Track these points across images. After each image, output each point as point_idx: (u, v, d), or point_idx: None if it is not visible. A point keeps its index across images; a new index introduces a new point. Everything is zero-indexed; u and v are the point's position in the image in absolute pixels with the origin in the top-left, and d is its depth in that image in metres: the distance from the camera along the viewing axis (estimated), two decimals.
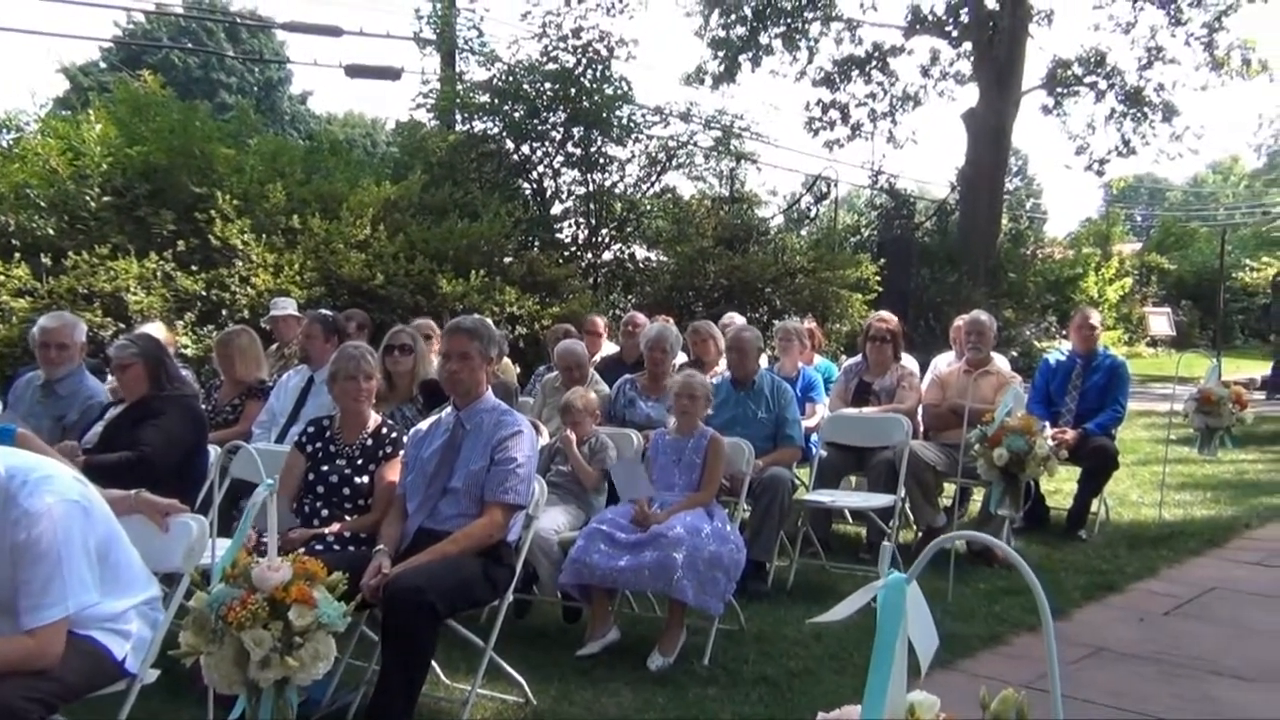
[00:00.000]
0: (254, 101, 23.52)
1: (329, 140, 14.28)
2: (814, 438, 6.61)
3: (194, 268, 9.53)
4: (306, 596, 2.67)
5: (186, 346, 8.87)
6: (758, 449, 5.55)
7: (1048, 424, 6.51)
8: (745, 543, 4.92)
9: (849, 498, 6.41)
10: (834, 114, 22.81)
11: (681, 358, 7.13)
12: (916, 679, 1.46)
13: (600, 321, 8.32)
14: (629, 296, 14.77)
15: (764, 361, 7.29)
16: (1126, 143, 22.28)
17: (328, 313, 6.78)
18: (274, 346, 7.44)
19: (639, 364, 6.73)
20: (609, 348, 8.25)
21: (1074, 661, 4.53)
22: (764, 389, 6.04)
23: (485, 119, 14.30)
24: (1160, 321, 27.46)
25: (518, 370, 8.57)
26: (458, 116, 14.40)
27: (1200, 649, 4.77)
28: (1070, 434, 6.79)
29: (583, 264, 14.18)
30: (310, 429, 4.44)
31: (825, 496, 6.12)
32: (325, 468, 4.27)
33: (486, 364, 4.13)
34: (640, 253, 15.48)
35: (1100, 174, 23.33)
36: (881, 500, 6.02)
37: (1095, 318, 7.35)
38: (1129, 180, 34.93)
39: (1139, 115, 22.01)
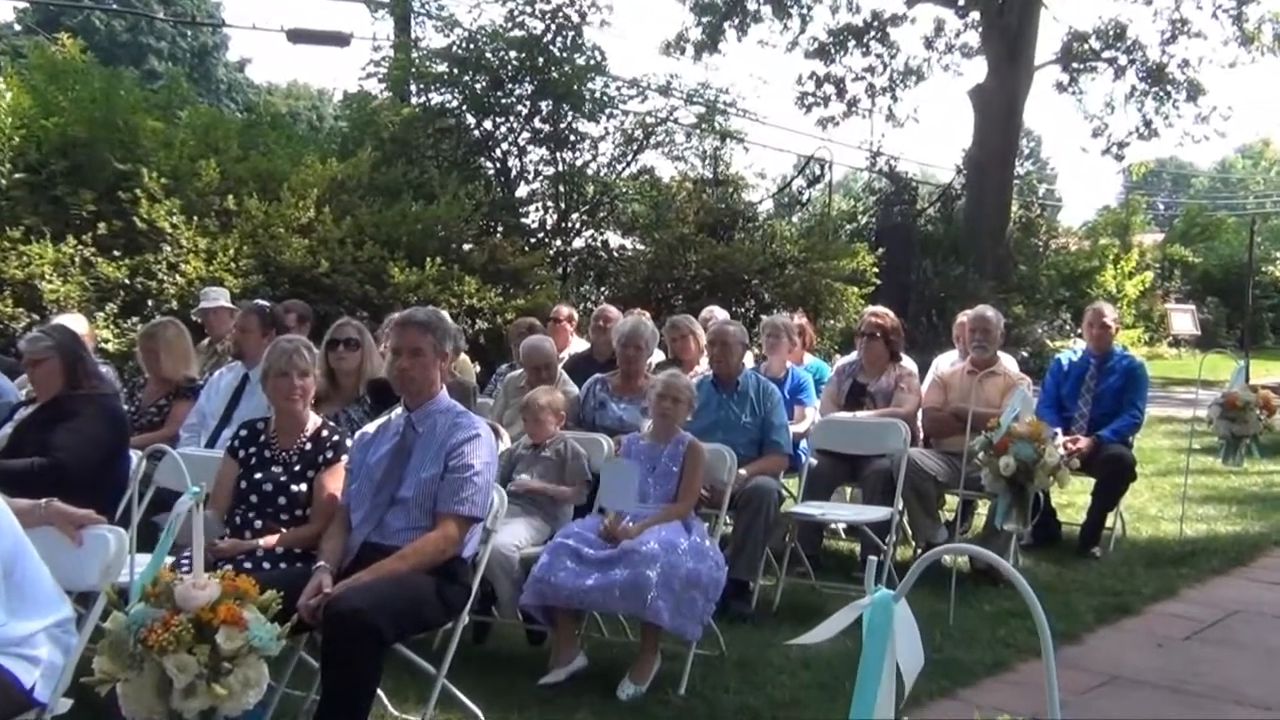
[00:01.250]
0: (185, 69, 23.38)
1: (269, 113, 14.26)
2: (803, 444, 6.63)
3: (117, 253, 9.46)
4: (236, 617, 2.65)
5: (108, 341, 8.80)
6: (741, 456, 5.54)
7: (1059, 430, 6.58)
8: (727, 560, 4.92)
9: (841, 511, 6.42)
10: (828, 89, 22.90)
11: (658, 356, 7.13)
12: (915, 707, 1.47)
13: (566, 311, 8.31)
14: (601, 288, 14.78)
15: (749, 360, 7.31)
16: (1148, 124, 22.49)
17: (264, 303, 6.74)
18: (205, 341, 7.40)
19: (611, 362, 6.73)
20: (578, 344, 8.24)
21: (1085, 691, 4.56)
22: (748, 390, 6.05)
23: (443, 90, 14.26)
24: (1184, 319, 27.69)
25: (478, 369, 8.55)
26: (413, 88, 14.35)
27: (1223, 677, 4.81)
28: (1083, 441, 6.84)
29: (550, 252, 14.16)
30: (243, 432, 4.41)
31: (815, 509, 6.13)
32: (259, 475, 4.24)
33: (441, 360, 4.12)
34: (614, 240, 15.49)
35: (1119, 158, 23.57)
36: (877, 513, 6.04)
37: (1110, 314, 7.40)
38: (1150, 165, 35.24)
39: (1162, 94, 22.21)
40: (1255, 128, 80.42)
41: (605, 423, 6.10)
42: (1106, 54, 22.25)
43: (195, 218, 9.94)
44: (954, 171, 23.10)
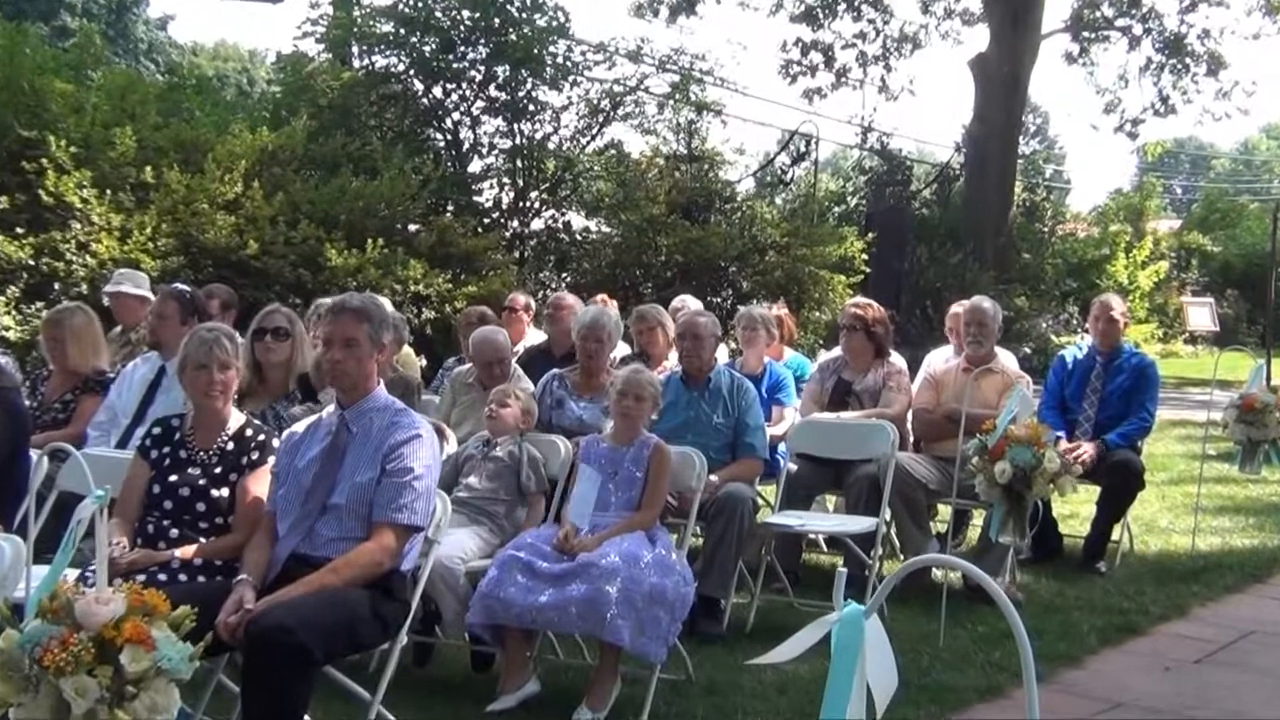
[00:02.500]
0: (100, 26, 23.15)
1: (193, 75, 14.16)
2: (781, 448, 6.64)
3: (19, 230, 9.35)
4: (143, 636, 2.63)
5: (8, 328, 8.73)
6: (713, 460, 5.56)
7: (1062, 434, 6.63)
8: (695, 575, 4.93)
9: (822, 521, 6.45)
10: (815, 57, 23.02)
11: (622, 349, 7.12)
12: None
13: (522, 300, 8.30)
14: (562, 274, 14.79)
15: (723, 355, 7.33)
16: (1165, 99, 22.74)
17: (184, 288, 6.68)
18: (116, 330, 7.33)
19: (569, 356, 6.73)
20: (535, 335, 8.23)
21: (1088, 718, 4.60)
22: (721, 388, 6.06)
23: (388, 53, 14.21)
24: (1201, 314, 27.96)
25: (423, 363, 8.54)
26: (354, 49, 14.30)
27: (1236, 703, 4.87)
28: (1088, 446, 6.89)
29: (506, 234, 14.15)
30: (156, 430, 4.37)
31: (793, 519, 6.15)
32: (174, 478, 4.20)
33: (378, 352, 4.10)
34: (577, 221, 15.49)
35: (1133, 136, 23.85)
36: (861, 524, 6.06)
37: (1118, 307, 7.46)
38: (1167, 145, 35.55)
39: (1180, 67, 22.45)
40: None
41: (563, 423, 6.09)
42: (1120, 22, 22.47)
43: (108, 191, 9.84)
44: (952, 150, 23.29)
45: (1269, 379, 8.03)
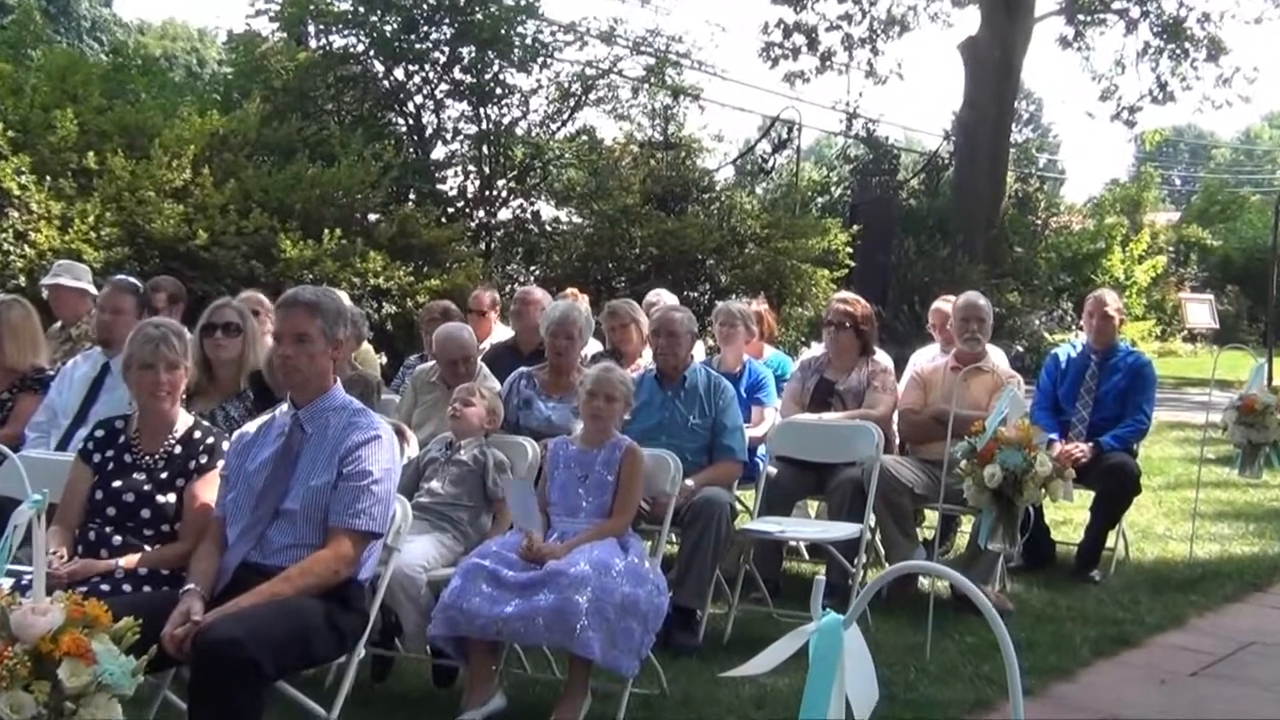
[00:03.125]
0: (41, 3, 22.96)
1: (139, 55, 14.08)
2: (761, 450, 6.65)
3: None
4: (83, 649, 2.62)
5: None
6: (689, 463, 5.57)
7: (1054, 436, 6.66)
8: (670, 584, 4.94)
9: (803, 528, 6.46)
10: (798, 39, 23.05)
11: (594, 346, 7.12)
12: None
13: (488, 298, 8.29)
14: (531, 267, 14.78)
15: (700, 353, 7.34)
16: (1163, 86, 22.88)
17: (135, 281, 6.65)
18: (57, 325, 7.28)
19: (538, 354, 6.72)
20: (502, 332, 8.22)
21: None
22: (698, 387, 6.07)
23: (346, 32, 14.18)
24: (1200, 311, 28.16)
25: (383, 360, 8.51)
26: (311, 29, 14.24)
27: (1235, 718, 4.90)
28: (1082, 449, 6.93)
29: (472, 224, 14.14)
30: (99, 433, 4.35)
31: (773, 525, 6.15)
32: (118, 483, 4.19)
33: (333, 349, 4.09)
34: (547, 211, 15.50)
35: (1130, 124, 24.00)
36: (844, 531, 6.07)
37: (1113, 303, 7.49)
38: (1165, 133, 35.87)
39: (1179, 52, 22.59)
40: None
41: (531, 424, 6.09)
42: (1117, 5, 22.61)
43: (48, 178, 9.81)
44: (941, 138, 23.37)
45: (1270, 379, 8.07)
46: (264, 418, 4.26)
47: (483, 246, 14.06)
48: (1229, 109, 46.68)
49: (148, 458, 4.25)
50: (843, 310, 6.93)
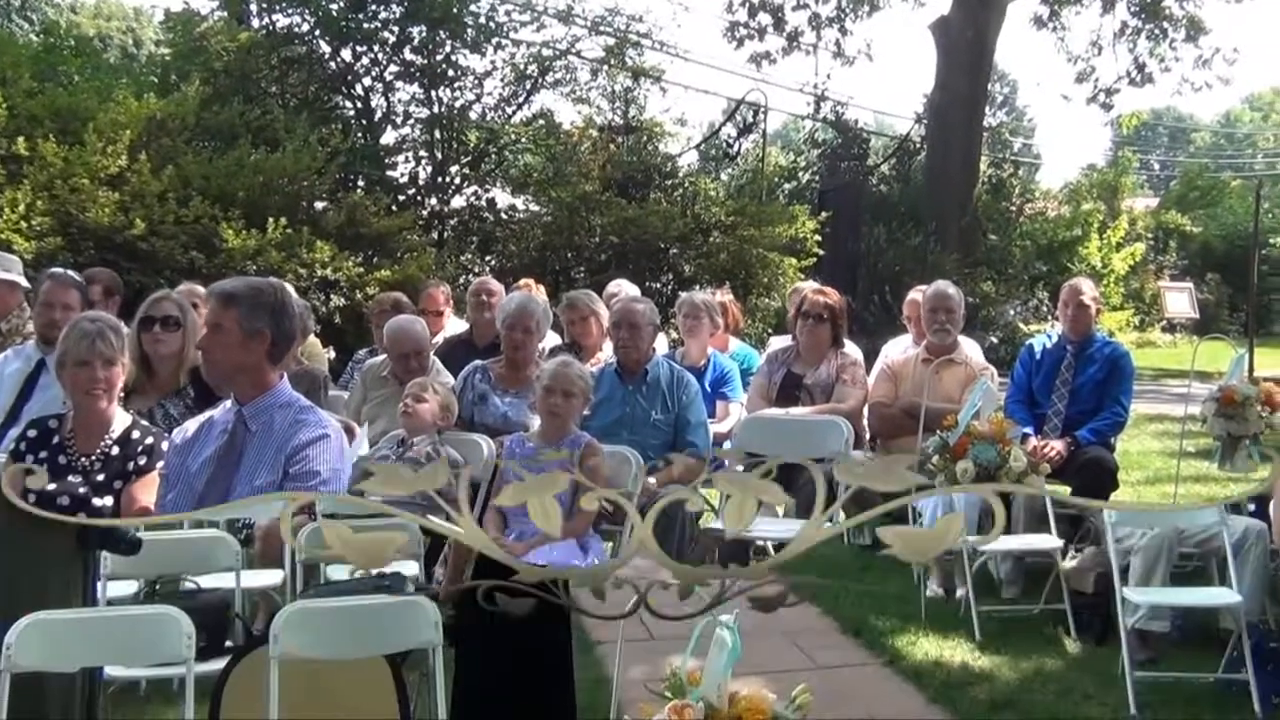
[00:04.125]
0: None
1: (72, 35, 13.96)
2: (726, 446, 6.68)
3: None
4: None
5: None
6: (650, 460, 5.59)
7: (1029, 430, 6.72)
8: None
9: (771, 526, 6.49)
10: (764, 18, 23.05)
11: (552, 339, 7.12)
12: None
13: (442, 295, 8.27)
14: (486, 258, 14.75)
15: (663, 345, 7.35)
16: (1141, 67, 23.01)
17: (74, 274, 6.60)
18: None
19: (493, 347, 6.72)
20: (456, 324, 8.21)
21: None
22: (660, 381, 6.09)
23: (290, 11, 14.11)
24: (1179, 300, 28.35)
25: (331, 354, 8.48)
26: (252, 7, 14.17)
27: None
28: (1057, 443, 6.99)
29: (423, 213, 14.10)
30: (31, 433, 4.33)
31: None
32: (52, 486, 4.16)
33: (252, 341, 4.07)
34: (502, 199, 15.47)
35: (1107, 107, 24.11)
36: None
37: (1089, 291, 7.54)
38: (1144, 116, 36.07)
39: (1157, 32, 22.74)
40: (1264, 75, 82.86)
41: (486, 420, 6.09)
42: None
43: None
44: (913, 121, 23.44)
45: (1251, 370, 8.16)
46: (205, 415, 4.25)
47: (435, 236, 14.03)
48: (1208, 91, 47.19)
49: (83, 459, 4.23)
50: (819, 301, 6.96)
